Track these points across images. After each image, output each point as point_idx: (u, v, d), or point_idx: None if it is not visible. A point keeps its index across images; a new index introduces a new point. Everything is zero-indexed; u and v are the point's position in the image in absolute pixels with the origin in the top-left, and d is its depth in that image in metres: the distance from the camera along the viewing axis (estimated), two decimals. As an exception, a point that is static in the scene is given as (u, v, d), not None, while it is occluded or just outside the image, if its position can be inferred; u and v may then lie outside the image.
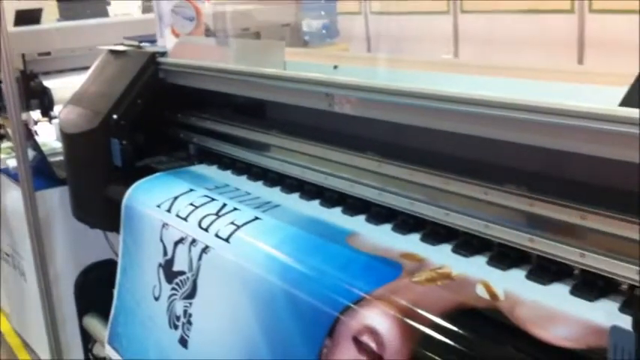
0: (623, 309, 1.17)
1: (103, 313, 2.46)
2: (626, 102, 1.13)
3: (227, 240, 1.74)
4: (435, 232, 1.54)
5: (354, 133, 1.80)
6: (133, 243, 2.16)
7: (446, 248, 1.49)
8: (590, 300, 1.22)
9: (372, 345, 1.27)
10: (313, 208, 1.82)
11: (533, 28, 4.96)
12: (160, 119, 2.47)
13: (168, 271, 1.96)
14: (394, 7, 6.20)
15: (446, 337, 1.20)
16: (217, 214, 1.85)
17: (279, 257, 1.60)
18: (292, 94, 1.86)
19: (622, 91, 1.15)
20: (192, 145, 2.41)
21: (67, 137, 2.50)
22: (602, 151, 1.16)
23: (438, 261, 1.43)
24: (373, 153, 1.69)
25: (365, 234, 1.61)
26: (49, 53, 3.57)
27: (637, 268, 1.14)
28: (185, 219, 1.91)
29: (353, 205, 1.75)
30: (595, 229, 1.22)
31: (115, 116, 2.33)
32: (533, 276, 1.32)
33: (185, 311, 1.87)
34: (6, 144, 3.42)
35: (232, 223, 1.78)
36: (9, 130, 3.01)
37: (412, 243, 1.54)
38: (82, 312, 2.95)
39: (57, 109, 3.25)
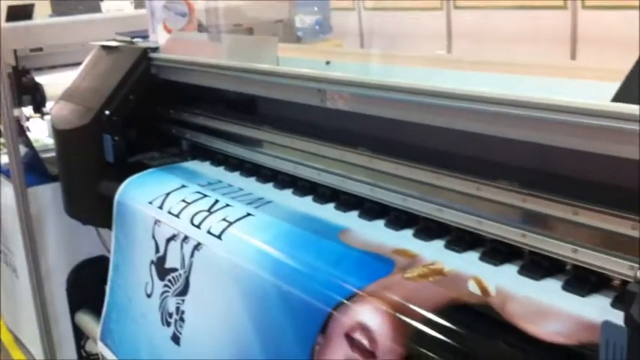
0: (615, 304, 1.17)
1: (96, 310, 2.45)
2: (618, 97, 1.13)
3: (219, 237, 1.73)
4: (428, 228, 1.54)
5: (346, 129, 1.79)
6: (125, 240, 2.15)
7: (438, 244, 1.49)
8: (582, 295, 1.22)
9: (365, 342, 1.27)
10: (306, 204, 1.81)
11: (526, 25, 4.97)
12: (153, 115, 2.46)
13: (161, 268, 1.95)
14: (388, 3, 6.20)
15: (438, 332, 1.20)
16: (209, 211, 1.84)
17: (272, 253, 1.60)
18: (285, 89, 1.86)
19: (614, 86, 1.15)
20: (184, 141, 2.41)
21: (58, 133, 2.48)
22: (594, 146, 1.16)
23: (431, 257, 1.43)
24: (365, 148, 1.69)
25: (357, 230, 1.60)
26: (41, 49, 3.55)
27: (629, 263, 1.14)
28: (177, 216, 1.91)
29: (346, 201, 1.74)
30: (587, 225, 1.22)
31: (107, 112, 2.32)
32: (525, 271, 1.32)
33: (177, 308, 1.86)
34: (-2, 140, 3.40)
35: (224, 219, 1.77)
36: (1, 127, 2.99)
37: (405, 239, 1.54)
38: (74, 309, 2.94)
39: (49, 105, 3.23)
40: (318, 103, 1.74)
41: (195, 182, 2.06)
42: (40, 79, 3.40)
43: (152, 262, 1.99)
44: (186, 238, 1.84)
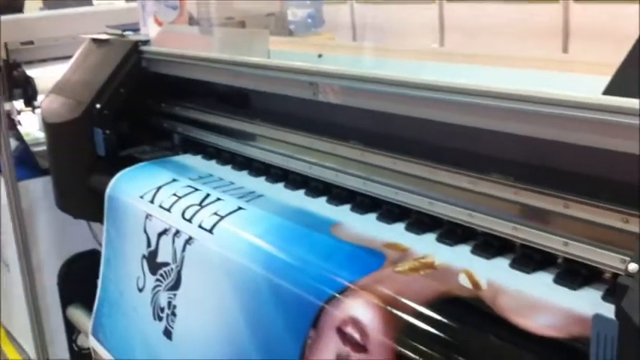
0: (606, 297, 1.17)
1: (87, 304, 2.45)
2: (609, 90, 1.12)
3: (210, 231, 1.73)
4: (420, 222, 1.53)
5: (339, 122, 1.79)
6: (117, 234, 2.14)
7: (430, 237, 1.49)
8: (574, 289, 1.22)
9: (356, 335, 1.27)
10: (298, 198, 1.81)
11: (520, 18, 4.97)
12: (144, 109, 2.45)
13: (152, 262, 1.94)
14: (380, -4, 6.20)
15: (429, 326, 1.20)
16: (201, 205, 1.83)
17: (263, 247, 1.59)
18: (276, 82, 1.85)
19: (606, 79, 1.15)
20: (176, 134, 2.40)
21: (49, 127, 2.47)
22: (585, 139, 1.16)
23: (422, 250, 1.42)
24: (357, 142, 1.69)
25: (349, 224, 1.60)
26: (32, 42, 3.53)
27: (620, 256, 1.14)
28: (168, 210, 1.90)
29: (338, 194, 1.74)
30: (578, 218, 1.22)
31: (97, 105, 2.30)
32: (517, 265, 1.32)
33: (169, 303, 1.86)
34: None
35: (216, 213, 1.77)
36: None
37: (397, 232, 1.53)
38: (65, 303, 2.94)
39: (40, 99, 3.21)
40: (310, 97, 1.73)
41: (186, 176, 2.05)
42: (31, 72, 3.37)
43: (144, 256, 1.98)
44: (177, 232, 1.83)
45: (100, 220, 2.21)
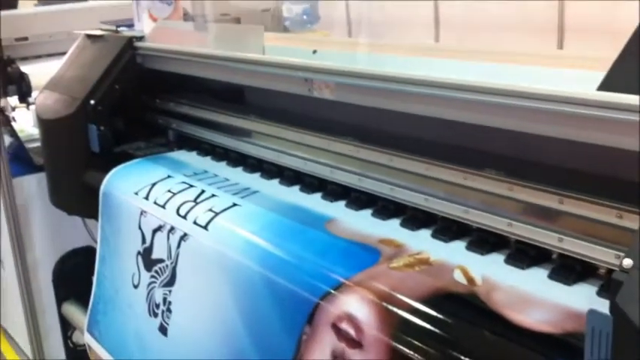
0: (601, 293, 1.17)
1: (82, 301, 2.45)
2: (604, 86, 1.12)
3: (205, 227, 1.73)
4: (415, 218, 1.53)
5: (334, 119, 1.79)
6: (112, 230, 2.14)
7: (425, 233, 1.49)
8: (568, 284, 1.22)
9: (351, 331, 1.27)
10: (293, 194, 1.81)
11: (515, 14, 4.96)
12: (139, 105, 2.45)
13: (147, 259, 1.94)
14: (376, -8, 6.18)
15: (424, 322, 1.20)
16: (195, 201, 1.83)
17: (258, 244, 1.59)
18: (271, 79, 1.84)
19: (601, 75, 1.14)
20: (171, 130, 2.39)
21: (43, 123, 2.46)
22: (580, 135, 1.16)
23: (417, 246, 1.42)
24: (352, 138, 1.68)
25: (344, 220, 1.60)
26: (26, 38, 3.52)
27: (614, 252, 1.15)
28: (163, 206, 1.90)
29: (333, 190, 1.74)
30: (573, 214, 1.22)
31: (92, 102, 2.30)
32: (511, 260, 1.32)
33: (164, 299, 1.86)
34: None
35: (210, 210, 1.76)
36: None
37: (392, 228, 1.53)
38: (60, 299, 2.93)
39: (35, 95, 3.20)
40: (304, 93, 1.73)
41: (181, 172, 2.05)
42: (25, 68, 3.36)
43: (139, 252, 1.98)
44: (172, 228, 1.83)
45: (95, 216, 2.21)
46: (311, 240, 1.53)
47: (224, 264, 1.65)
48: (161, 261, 1.87)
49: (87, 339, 2.28)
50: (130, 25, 2.56)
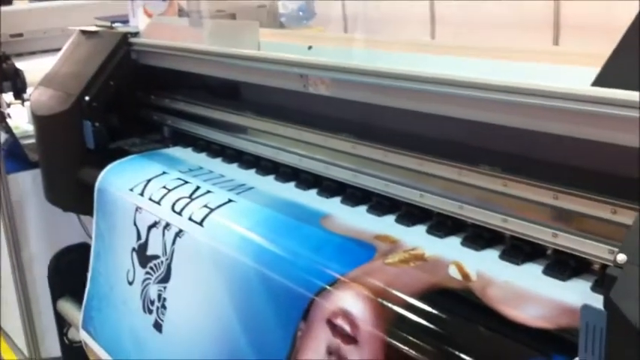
0: (595, 288, 1.17)
1: (77, 298, 2.44)
2: (598, 82, 1.12)
3: (201, 223, 1.72)
4: (410, 214, 1.53)
5: (330, 115, 1.78)
6: (107, 227, 2.14)
7: (420, 229, 1.49)
8: (563, 280, 1.22)
9: (346, 327, 1.27)
10: (288, 191, 1.80)
11: (511, 13, 4.96)
12: (134, 101, 2.44)
13: (142, 255, 1.94)
14: (372, -11, 6.17)
15: (419, 317, 1.20)
16: (190, 197, 1.83)
17: (254, 240, 1.59)
18: (266, 74, 1.84)
19: (595, 71, 1.15)
20: (166, 127, 2.39)
21: (38, 119, 2.46)
22: (574, 130, 1.16)
23: (412, 242, 1.42)
24: (348, 134, 1.68)
25: (339, 216, 1.60)
26: (21, 35, 3.51)
27: (608, 247, 1.15)
28: (158, 202, 1.89)
29: (328, 187, 1.74)
30: (567, 209, 1.22)
31: (87, 98, 2.29)
32: (506, 256, 1.32)
33: (159, 295, 1.86)
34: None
35: (206, 206, 1.76)
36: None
37: (387, 224, 1.53)
38: (56, 296, 2.92)
39: (30, 92, 3.20)
40: (300, 89, 1.72)
41: (176, 169, 2.05)
42: (20, 65, 3.36)
43: (134, 249, 1.97)
44: (167, 225, 1.83)
45: (90, 213, 2.20)
46: (306, 236, 1.53)
47: (219, 260, 1.65)
48: (156, 257, 1.87)
49: (82, 336, 2.27)
50: (125, 21, 2.56)
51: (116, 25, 2.54)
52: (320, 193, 1.74)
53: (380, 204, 1.60)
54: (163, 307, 1.84)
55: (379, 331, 1.23)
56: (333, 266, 1.38)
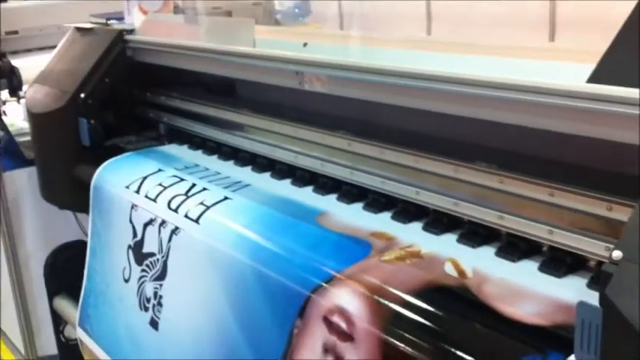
0: (591, 285, 1.17)
1: (74, 295, 2.44)
2: (593, 78, 1.12)
3: (197, 221, 1.72)
4: (406, 211, 1.53)
5: (325, 112, 1.78)
6: (103, 224, 2.13)
7: (416, 226, 1.49)
8: (559, 276, 1.22)
9: (342, 325, 1.27)
10: (284, 188, 1.80)
11: (508, 11, 4.96)
12: (129, 98, 2.44)
13: (138, 252, 1.94)
14: (368, -14, 6.16)
15: (415, 315, 1.20)
16: (186, 195, 1.83)
17: (250, 237, 1.59)
18: (261, 72, 1.84)
19: (591, 68, 1.15)
20: (162, 124, 2.38)
21: (33, 117, 2.45)
22: (570, 127, 1.16)
23: (409, 239, 1.42)
24: (344, 131, 1.68)
25: (335, 213, 1.60)
26: (16, 32, 3.51)
27: (604, 244, 1.15)
28: (154, 200, 1.89)
29: (324, 184, 1.74)
30: (563, 206, 1.22)
31: (82, 95, 2.29)
32: (502, 253, 1.32)
33: (155, 293, 1.85)
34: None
35: (202, 203, 1.76)
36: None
37: (383, 222, 1.53)
38: (52, 294, 2.92)
39: (25, 89, 3.19)
40: (295, 86, 1.72)
41: (172, 166, 2.04)
42: (16, 62, 3.35)
43: (129, 246, 1.97)
44: (163, 222, 1.82)
45: (86, 210, 2.20)
46: (302, 233, 1.53)
47: (215, 257, 1.64)
48: (152, 255, 1.87)
49: (79, 333, 2.27)
50: (121, 19, 2.55)
51: (111, 22, 2.54)
52: (316, 191, 1.74)
53: (376, 201, 1.60)
54: (159, 304, 1.84)
55: (375, 328, 1.23)
56: (329, 263, 1.38)
